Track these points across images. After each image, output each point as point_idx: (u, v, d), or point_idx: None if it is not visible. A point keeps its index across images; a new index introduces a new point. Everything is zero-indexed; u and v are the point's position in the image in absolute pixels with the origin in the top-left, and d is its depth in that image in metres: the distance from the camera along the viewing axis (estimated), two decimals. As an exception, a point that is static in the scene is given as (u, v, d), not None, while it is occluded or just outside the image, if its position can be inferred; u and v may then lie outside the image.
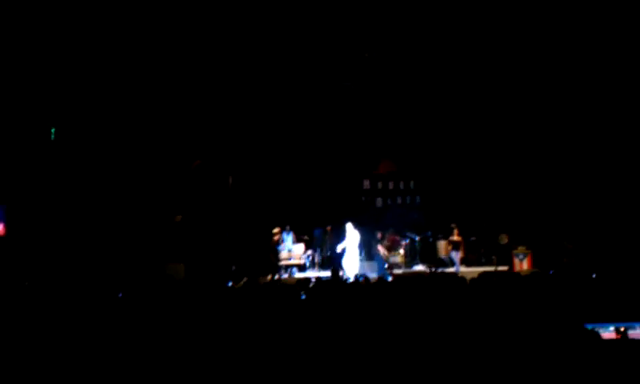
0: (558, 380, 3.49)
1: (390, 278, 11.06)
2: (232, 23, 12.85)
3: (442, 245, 16.62)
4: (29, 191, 13.33)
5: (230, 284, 11.27)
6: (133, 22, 12.51)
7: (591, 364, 3.54)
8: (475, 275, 8.38)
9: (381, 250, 15.80)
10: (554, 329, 4.02)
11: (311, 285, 7.50)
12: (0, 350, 4.38)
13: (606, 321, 4.71)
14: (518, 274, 12.12)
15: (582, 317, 4.83)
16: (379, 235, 15.90)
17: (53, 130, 13.66)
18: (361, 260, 15.69)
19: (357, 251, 14.82)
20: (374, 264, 15.56)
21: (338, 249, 15.04)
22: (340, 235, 15.41)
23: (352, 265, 14.51)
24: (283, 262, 15.61)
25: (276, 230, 15.70)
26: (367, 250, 16.26)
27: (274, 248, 15.55)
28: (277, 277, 14.66)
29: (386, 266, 15.72)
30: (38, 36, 12.29)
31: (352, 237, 14.75)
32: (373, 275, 13.56)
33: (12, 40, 12.11)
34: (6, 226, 13.19)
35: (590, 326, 4.15)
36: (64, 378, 4.02)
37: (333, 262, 15.69)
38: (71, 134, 13.97)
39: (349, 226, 14.87)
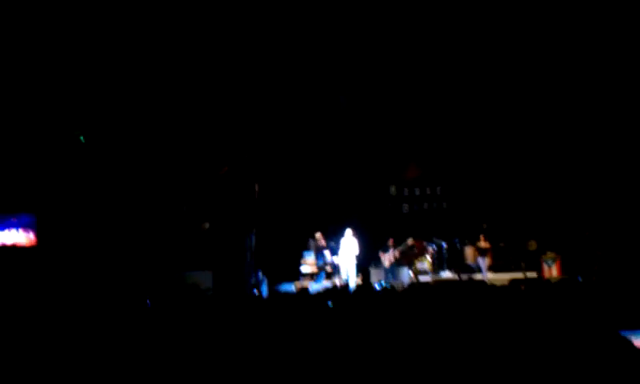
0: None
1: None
2: (256, 34, 12.93)
3: (469, 251, 16.47)
4: (59, 200, 13.54)
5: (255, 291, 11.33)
6: (162, 33, 12.65)
7: (625, 372, 3.47)
8: (504, 281, 8.30)
9: (382, 256, 15.57)
10: (587, 336, 3.95)
11: (339, 292, 7.47)
12: (29, 356, 4.45)
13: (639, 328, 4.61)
14: (548, 280, 11.97)
15: (615, 323, 4.74)
16: (390, 242, 15.65)
17: (82, 138, 13.87)
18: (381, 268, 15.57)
19: (353, 259, 14.65)
20: (399, 271, 15.44)
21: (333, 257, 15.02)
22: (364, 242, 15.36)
23: (346, 271, 14.46)
24: (309, 269, 15.65)
25: (318, 235, 15.75)
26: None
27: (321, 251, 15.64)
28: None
29: (411, 273, 15.62)
30: (69, 44, 12.49)
31: (348, 244, 14.62)
32: (399, 282, 13.51)
33: (41, 50, 12.33)
34: (37, 236, 13.42)
35: (622, 333, 4.07)
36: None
37: (361, 268, 15.64)
38: (100, 143, 14.17)
39: (347, 233, 14.72)
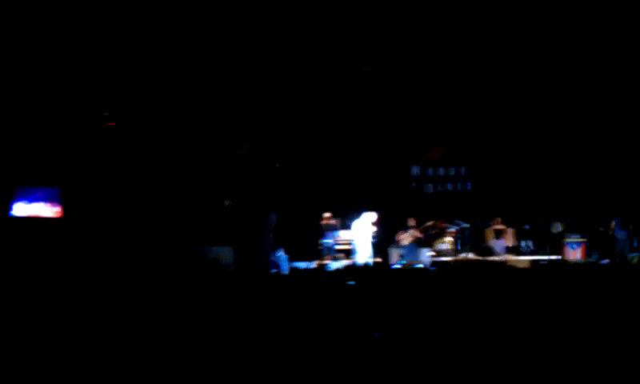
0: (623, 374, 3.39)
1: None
2: (277, 15, 12.83)
3: (489, 233, 16.39)
4: (84, 174, 13.73)
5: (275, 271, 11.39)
6: (183, 16, 12.64)
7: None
8: (527, 264, 8.23)
9: (402, 235, 15.40)
10: (611, 320, 3.90)
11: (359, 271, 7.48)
12: (53, 327, 4.52)
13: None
14: (573, 263, 11.87)
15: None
16: (411, 221, 15.54)
17: (106, 114, 14.01)
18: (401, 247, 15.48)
19: (369, 239, 14.52)
20: (419, 251, 15.37)
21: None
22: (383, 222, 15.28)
23: (364, 252, 14.38)
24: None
25: (327, 215, 15.68)
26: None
27: (324, 233, 15.57)
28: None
29: (432, 253, 15.57)
30: (93, 21, 12.55)
31: (364, 225, 14.48)
32: (421, 262, 13.49)
33: (67, 26, 12.41)
34: (63, 208, 13.64)
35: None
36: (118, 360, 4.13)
37: (381, 248, 15.59)
38: (123, 118, 14.30)
39: (366, 215, 14.56)
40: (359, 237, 14.39)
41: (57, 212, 13.68)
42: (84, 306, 5.16)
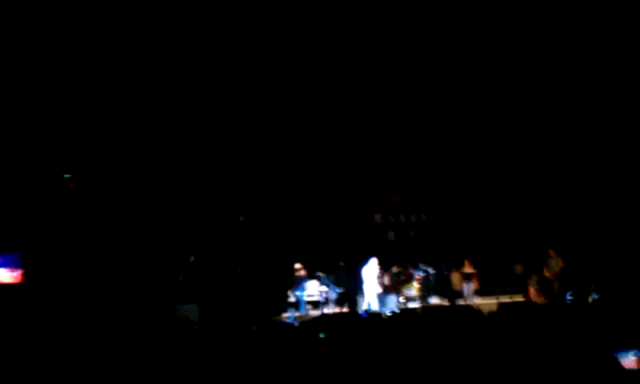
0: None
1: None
2: (243, 67, 13.03)
3: (455, 277, 16.53)
4: (46, 239, 13.44)
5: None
6: (150, 64, 12.72)
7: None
8: (492, 306, 8.31)
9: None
10: (580, 358, 3.98)
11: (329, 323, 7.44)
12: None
13: (626, 347, 4.63)
14: (536, 304, 12.07)
15: (605, 344, 4.77)
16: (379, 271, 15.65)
17: (67, 176, 13.83)
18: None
19: (375, 284, 14.65)
20: (387, 298, 15.40)
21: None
22: (354, 271, 15.31)
23: (371, 297, 14.47)
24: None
25: (298, 266, 15.55)
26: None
27: (296, 284, 15.42)
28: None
29: (402, 299, 15.59)
30: (55, 81, 12.51)
31: (371, 271, 14.61)
32: (386, 309, 13.49)
33: (29, 88, 12.34)
34: (24, 273, 13.27)
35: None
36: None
37: (349, 298, 15.58)
38: (85, 180, 14.13)
39: (372, 261, 14.73)
40: (368, 282, 14.49)
41: (16, 278, 13.28)
42: (45, 370, 5.04)
